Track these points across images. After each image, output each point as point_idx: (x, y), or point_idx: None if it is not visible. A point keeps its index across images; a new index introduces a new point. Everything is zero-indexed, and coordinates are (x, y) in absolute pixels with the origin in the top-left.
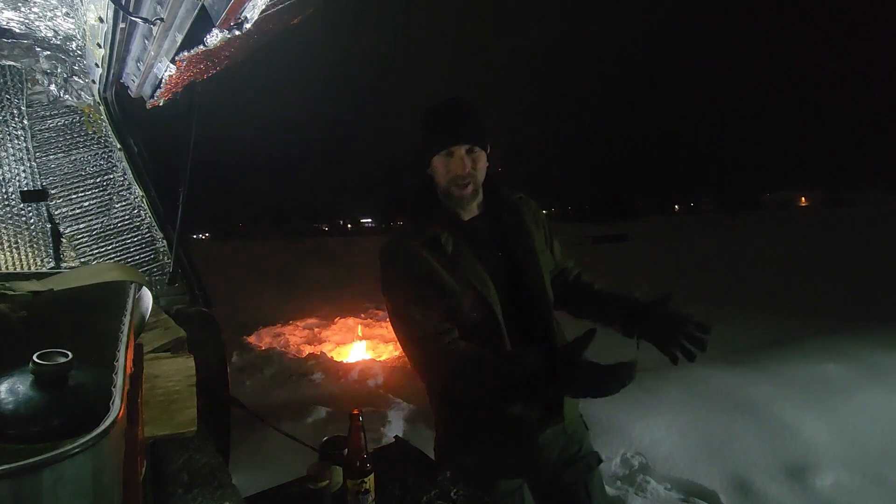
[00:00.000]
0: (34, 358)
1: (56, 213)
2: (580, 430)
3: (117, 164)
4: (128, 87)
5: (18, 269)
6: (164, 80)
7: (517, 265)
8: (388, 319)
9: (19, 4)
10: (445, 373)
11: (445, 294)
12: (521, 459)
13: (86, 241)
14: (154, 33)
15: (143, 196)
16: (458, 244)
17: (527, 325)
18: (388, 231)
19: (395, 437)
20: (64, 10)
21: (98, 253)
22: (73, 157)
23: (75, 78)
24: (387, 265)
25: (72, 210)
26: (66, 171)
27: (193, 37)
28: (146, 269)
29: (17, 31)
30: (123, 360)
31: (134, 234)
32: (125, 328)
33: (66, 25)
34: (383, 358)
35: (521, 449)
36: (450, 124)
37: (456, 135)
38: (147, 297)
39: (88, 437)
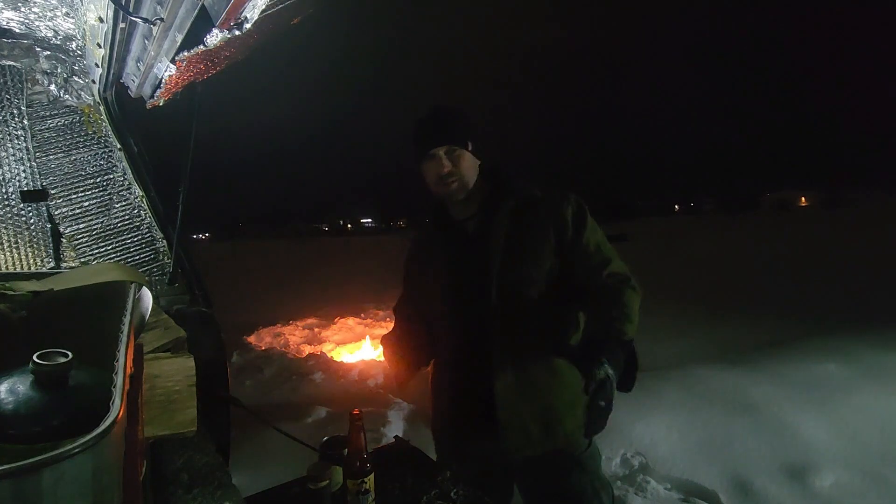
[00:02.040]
0: (34, 358)
1: (56, 213)
2: (565, 463)
3: (117, 164)
4: (128, 87)
5: (18, 269)
6: (164, 80)
7: (488, 264)
8: (388, 319)
9: (19, 4)
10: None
11: (413, 286)
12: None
13: (86, 241)
14: (154, 33)
15: (143, 196)
16: (439, 243)
17: (481, 325)
18: (389, 231)
19: (395, 437)
20: (64, 10)
21: (98, 253)
22: (73, 157)
23: (75, 78)
24: None
25: (72, 210)
26: (66, 171)
27: (193, 37)
28: (146, 269)
29: (17, 31)
30: (123, 360)
31: (134, 234)
32: (125, 328)
33: (66, 25)
34: (383, 358)
35: (460, 439)
36: (426, 130)
37: (432, 138)
38: (147, 297)
39: (88, 437)
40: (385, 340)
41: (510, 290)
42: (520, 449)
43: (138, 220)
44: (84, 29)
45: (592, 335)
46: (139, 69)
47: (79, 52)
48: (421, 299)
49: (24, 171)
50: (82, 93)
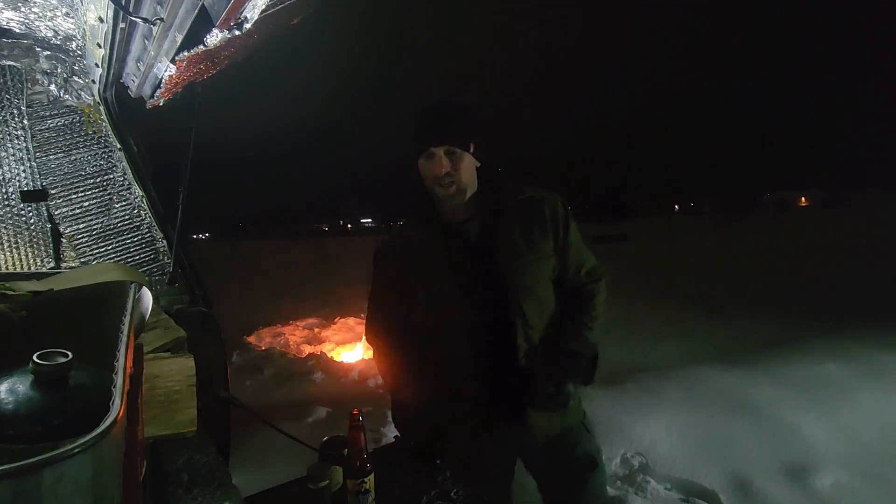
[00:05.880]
0: (34, 358)
1: (56, 213)
2: (573, 435)
3: (117, 164)
4: (128, 87)
5: (18, 269)
6: (164, 80)
7: (498, 269)
8: None
9: (19, 4)
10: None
11: (397, 298)
12: (484, 456)
13: (86, 241)
14: (154, 33)
15: (143, 196)
16: (431, 248)
17: (494, 331)
18: (390, 231)
19: (395, 437)
20: (64, 10)
21: (98, 253)
22: (73, 157)
23: (75, 78)
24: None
25: (72, 210)
26: (66, 171)
27: (193, 37)
28: (146, 269)
29: (17, 31)
30: (123, 360)
31: (134, 234)
32: (125, 328)
33: (66, 25)
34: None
35: (474, 447)
36: (428, 126)
37: (433, 136)
38: (147, 297)
39: (88, 437)
40: (394, 369)
41: (529, 290)
42: (543, 429)
43: (138, 220)
44: (84, 29)
45: (563, 339)
46: (139, 69)
47: (79, 52)
48: (414, 305)
49: (24, 171)
50: (82, 93)
